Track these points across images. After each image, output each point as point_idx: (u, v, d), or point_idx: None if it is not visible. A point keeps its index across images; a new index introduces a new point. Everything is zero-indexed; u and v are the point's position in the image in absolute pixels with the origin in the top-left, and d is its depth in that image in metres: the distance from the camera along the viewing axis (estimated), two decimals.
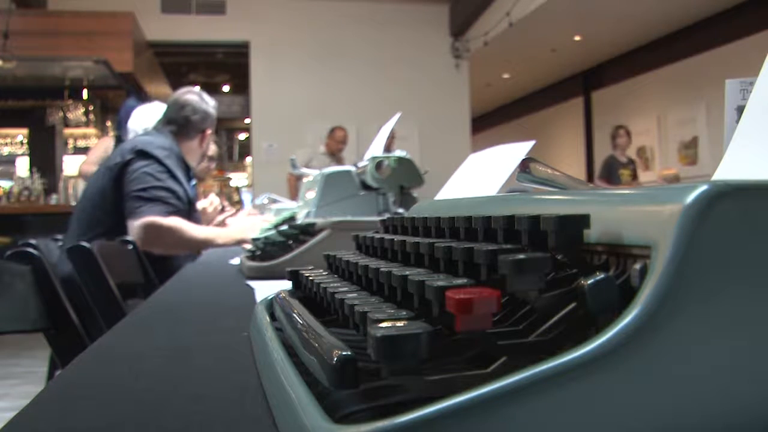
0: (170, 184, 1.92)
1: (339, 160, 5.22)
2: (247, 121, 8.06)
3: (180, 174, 1.99)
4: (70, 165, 6.06)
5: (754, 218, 0.24)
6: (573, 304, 0.26)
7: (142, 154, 1.91)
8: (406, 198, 1.24)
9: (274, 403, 0.33)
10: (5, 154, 6.50)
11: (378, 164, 1.21)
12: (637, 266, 0.26)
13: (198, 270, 1.36)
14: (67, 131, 6.35)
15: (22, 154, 6.37)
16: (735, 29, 5.90)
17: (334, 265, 0.53)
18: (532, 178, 0.47)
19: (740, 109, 0.47)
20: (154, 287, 1.60)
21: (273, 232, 1.14)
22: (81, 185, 4.39)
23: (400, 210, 1.20)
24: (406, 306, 0.32)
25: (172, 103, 2.17)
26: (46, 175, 5.51)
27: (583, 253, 0.31)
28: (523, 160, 0.48)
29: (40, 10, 6.13)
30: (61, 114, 6.15)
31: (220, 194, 6.65)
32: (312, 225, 1.07)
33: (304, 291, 0.51)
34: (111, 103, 6.32)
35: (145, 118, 2.72)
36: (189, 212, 2.01)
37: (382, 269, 0.37)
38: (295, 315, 0.40)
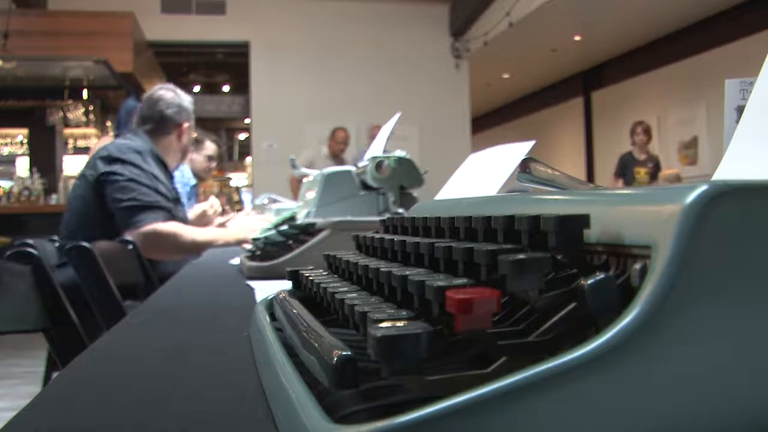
0: (156, 185, 1.90)
1: (341, 162, 5.21)
2: (247, 121, 8.07)
3: (159, 173, 1.96)
4: (70, 165, 6.06)
5: (754, 218, 0.24)
6: (573, 304, 0.26)
7: (118, 161, 1.88)
8: (406, 198, 1.24)
9: (274, 403, 0.33)
10: (5, 154, 6.50)
11: (378, 164, 1.21)
12: (637, 266, 0.26)
13: (198, 270, 1.36)
14: (67, 131, 6.35)
15: (22, 154, 6.37)
16: (735, 29, 5.90)
17: (334, 265, 0.53)
18: (532, 178, 0.47)
19: (740, 109, 0.47)
20: (154, 287, 1.60)
21: (273, 232, 1.14)
22: None
23: (400, 210, 1.20)
24: (406, 306, 0.32)
25: (145, 102, 2.14)
26: (46, 175, 5.51)
27: (583, 253, 0.31)
28: (523, 160, 0.48)
29: (40, 10, 6.13)
30: (61, 114, 6.15)
31: (220, 194, 6.65)
32: (312, 225, 1.07)
33: (304, 291, 0.51)
34: (111, 103, 6.32)
35: None
36: (175, 210, 2.00)
37: (382, 269, 0.37)
38: (295, 315, 0.40)
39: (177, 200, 2.07)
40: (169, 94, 2.14)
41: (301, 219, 1.27)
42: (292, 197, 4.16)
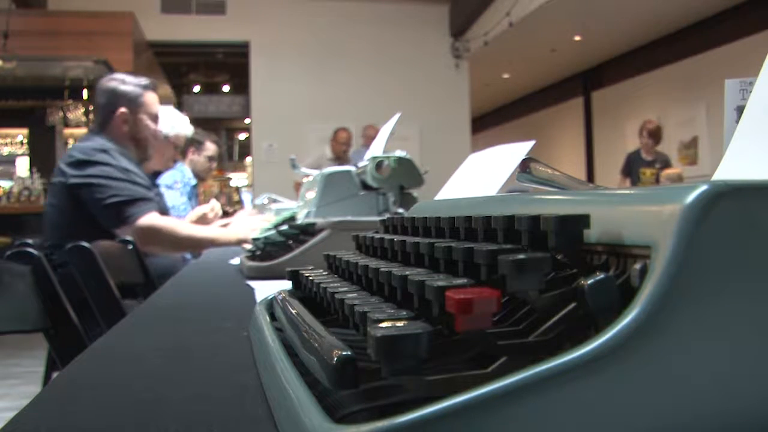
0: (132, 177, 1.86)
1: (345, 163, 5.18)
2: (247, 121, 8.07)
3: (129, 165, 1.91)
4: None
5: (754, 218, 0.24)
6: (573, 304, 0.26)
7: (87, 163, 1.84)
8: (406, 198, 1.24)
9: (274, 403, 0.33)
10: (5, 154, 6.49)
11: (378, 164, 1.21)
12: (637, 266, 0.26)
13: (198, 270, 1.36)
14: (67, 131, 6.34)
15: (22, 154, 6.37)
16: (735, 29, 5.90)
17: (334, 265, 0.53)
18: (532, 178, 0.47)
19: (740, 109, 0.47)
20: (154, 287, 1.60)
21: (273, 232, 1.14)
22: None
23: (400, 210, 1.20)
24: (406, 306, 0.32)
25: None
26: (46, 175, 5.50)
27: (583, 253, 0.31)
28: (523, 160, 0.48)
29: (40, 10, 6.13)
30: (61, 114, 6.15)
31: (220, 194, 6.65)
32: (312, 225, 1.07)
33: (304, 291, 0.51)
34: None
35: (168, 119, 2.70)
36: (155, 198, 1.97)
37: (382, 269, 0.37)
38: (295, 315, 0.40)
39: (153, 187, 2.03)
40: (105, 83, 2.05)
41: (301, 219, 1.27)
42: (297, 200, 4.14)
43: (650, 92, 7.38)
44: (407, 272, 0.34)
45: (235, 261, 1.40)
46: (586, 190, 0.43)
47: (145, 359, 0.49)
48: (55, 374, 1.24)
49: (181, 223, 1.92)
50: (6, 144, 6.55)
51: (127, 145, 2.04)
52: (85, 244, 1.33)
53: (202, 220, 2.38)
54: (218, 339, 0.56)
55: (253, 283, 0.95)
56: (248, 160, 8.51)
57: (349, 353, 0.26)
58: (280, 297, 0.50)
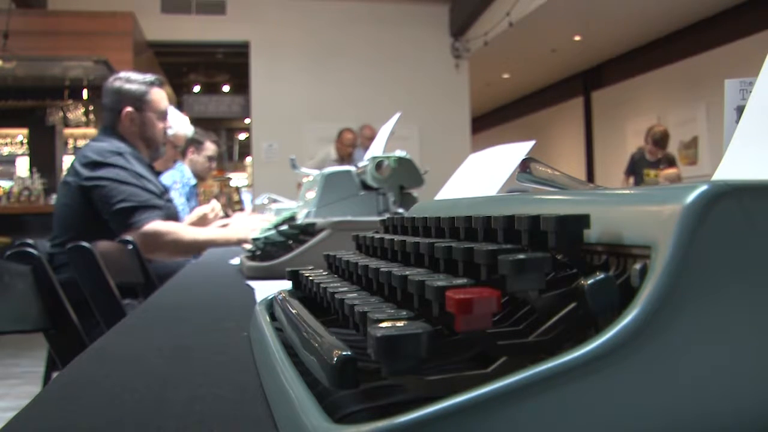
0: (144, 183, 1.87)
1: (350, 164, 5.15)
2: (247, 121, 8.06)
3: (143, 170, 1.92)
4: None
5: (754, 218, 0.24)
6: (573, 304, 0.26)
7: (101, 165, 1.85)
8: (406, 198, 1.24)
9: (274, 403, 0.33)
10: (5, 154, 6.50)
11: (378, 164, 1.21)
12: (637, 266, 0.26)
13: (198, 270, 1.36)
14: (67, 131, 6.35)
15: (22, 154, 6.37)
16: (735, 29, 5.90)
17: (334, 265, 0.53)
18: (532, 178, 0.47)
19: (740, 109, 0.47)
20: (154, 287, 1.60)
21: (273, 232, 1.14)
22: None
23: (400, 210, 1.20)
24: (406, 306, 0.32)
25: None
26: (46, 175, 5.51)
27: (583, 253, 0.31)
28: (523, 160, 0.48)
29: (40, 10, 6.13)
30: (61, 114, 6.15)
31: (220, 194, 6.65)
32: (312, 225, 1.07)
33: (304, 291, 0.51)
34: None
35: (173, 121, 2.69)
36: (166, 205, 1.97)
37: (382, 269, 0.37)
38: (295, 315, 0.40)
39: (165, 193, 2.04)
40: (110, 83, 2.03)
41: (301, 219, 1.27)
42: None
43: (650, 92, 7.38)
44: (407, 272, 0.34)
45: (235, 261, 1.40)
46: (586, 190, 0.43)
47: (145, 359, 0.49)
48: (55, 374, 1.24)
49: (184, 228, 1.92)
50: (6, 144, 6.55)
51: (138, 145, 2.04)
52: (85, 244, 1.33)
53: (203, 220, 2.38)
54: (218, 339, 0.56)
55: (253, 283, 0.95)
56: (248, 160, 8.51)
57: (349, 353, 0.26)
58: (280, 297, 0.50)
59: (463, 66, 7.08)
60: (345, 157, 5.36)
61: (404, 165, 1.23)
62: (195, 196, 3.20)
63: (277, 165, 6.34)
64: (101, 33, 5.42)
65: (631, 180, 5.33)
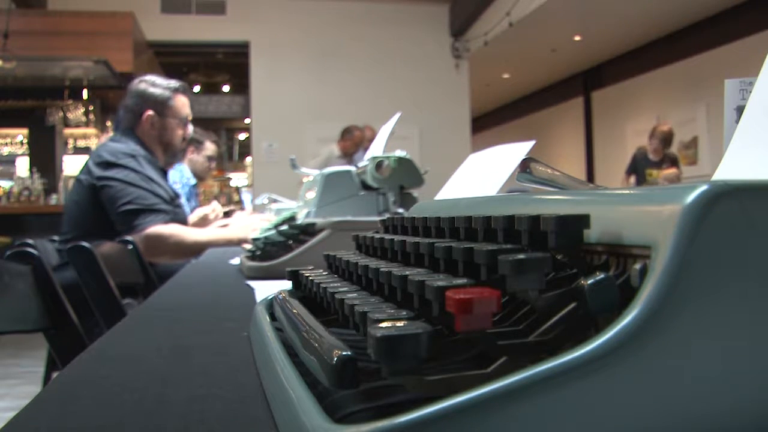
0: (153, 187, 1.89)
1: (352, 162, 5.15)
2: (247, 121, 8.06)
3: (154, 174, 1.93)
4: (70, 165, 6.06)
5: (754, 218, 0.24)
6: (573, 304, 0.26)
7: (113, 165, 1.86)
8: (406, 198, 1.24)
9: (274, 403, 0.33)
10: (5, 154, 6.49)
11: (378, 164, 1.21)
12: (637, 266, 0.26)
13: (198, 270, 1.36)
14: (67, 131, 6.35)
15: (22, 154, 6.37)
16: (735, 29, 5.90)
17: (334, 265, 0.53)
18: (532, 178, 0.47)
19: (740, 109, 0.47)
20: (154, 287, 1.60)
21: (273, 232, 1.14)
22: None
23: (400, 210, 1.20)
24: (406, 306, 0.32)
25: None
26: (46, 175, 5.51)
27: (583, 253, 0.31)
28: (523, 160, 0.48)
29: (40, 10, 6.13)
30: (61, 114, 6.15)
31: (220, 194, 6.65)
32: (312, 225, 1.07)
33: (304, 291, 0.51)
34: (111, 103, 6.31)
35: None
36: (175, 210, 1.98)
37: (382, 269, 0.37)
38: (295, 315, 0.40)
39: (175, 199, 2.05)
40: (135, 85, 2.05)
41: (301, 219, 1.27)
42: None
43: (650, 92, 7.38)
44: (407, 272, 0.34)
45: (235, 261, 1.40)
46: (586, 190, 0.43)
47: (145, 359, 0.49)
48: (55, 374, 1.24)
49: (185, 230, 1.92)
50: (6, 144, 6.55)
51: (156, 149, 2.05)
52: (85, 244, 1.33)
53: (203, 221, 2.38)
54: (218, 339, 0.56)
55: (253, 283, 0.95)
56: (248, 160, 8.51)
57: (349, 353, 0.26)
58: (280, 297, 0.50)
59: (463, 66, 7.08)
60: (350, 155, 5.35)
61: (404, 165, 1.23)
62: (195, 196, 3.20)
63: (277, 165, 6.34)
64: (101, 33, 5.42)
65: (632, 179, 5.31)
